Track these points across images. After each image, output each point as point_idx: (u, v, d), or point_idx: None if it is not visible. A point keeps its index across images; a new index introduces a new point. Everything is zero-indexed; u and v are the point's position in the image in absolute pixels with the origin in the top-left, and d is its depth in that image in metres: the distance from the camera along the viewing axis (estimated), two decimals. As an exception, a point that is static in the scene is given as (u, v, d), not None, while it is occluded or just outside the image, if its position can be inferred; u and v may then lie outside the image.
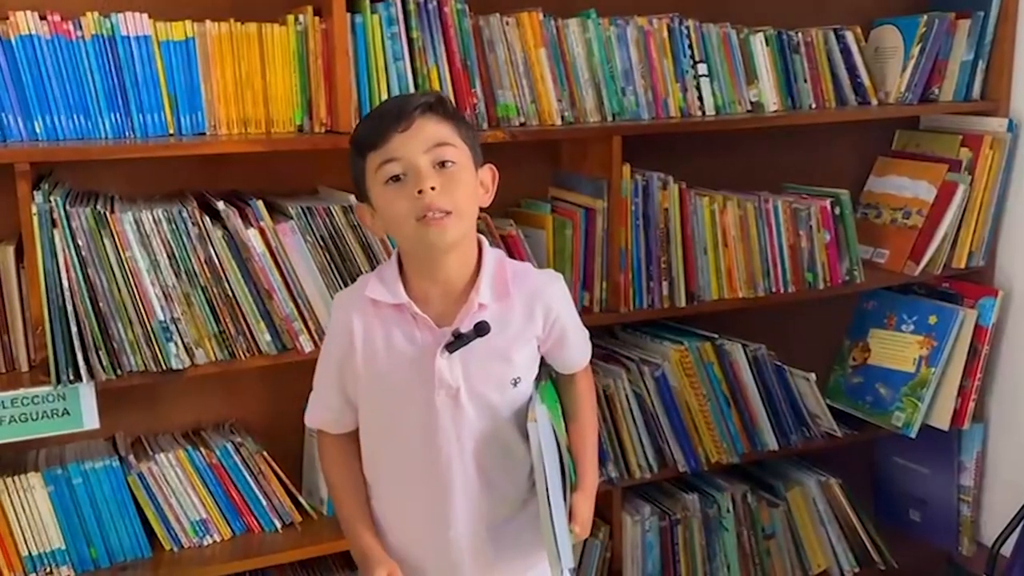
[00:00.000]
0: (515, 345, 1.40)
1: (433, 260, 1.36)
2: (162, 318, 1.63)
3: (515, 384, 1.41)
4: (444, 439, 1.38)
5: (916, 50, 2.22)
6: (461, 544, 1.42)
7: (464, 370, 1.37)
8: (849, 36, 2.21)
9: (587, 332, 1.56)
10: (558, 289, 1.47)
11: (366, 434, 1.47)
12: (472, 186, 1.36)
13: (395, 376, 1.38)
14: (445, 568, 1.44)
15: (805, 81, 2.17)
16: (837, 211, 2.16)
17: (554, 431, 1.42)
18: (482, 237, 1.43)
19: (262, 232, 1.68)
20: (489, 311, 1.37)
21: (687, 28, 2.04)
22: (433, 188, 1.28)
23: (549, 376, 1.54)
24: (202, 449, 1.80)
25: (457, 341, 1.35)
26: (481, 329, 1.34)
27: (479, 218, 1.81)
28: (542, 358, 1.49)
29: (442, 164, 1.31)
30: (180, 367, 1.66)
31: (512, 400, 1.41)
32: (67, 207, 1.55)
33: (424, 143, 1.30)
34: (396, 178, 1.31)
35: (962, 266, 2.31)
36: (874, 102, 2.24)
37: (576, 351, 1.53)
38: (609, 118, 1.97)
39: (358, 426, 1.49)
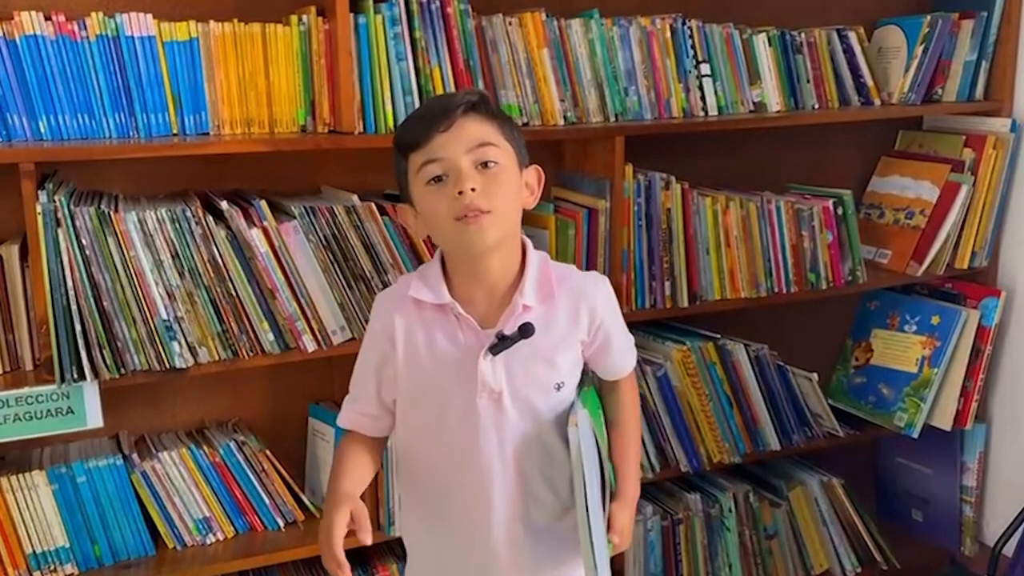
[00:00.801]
0: (559, 348, 1.38)
1: (474, 261, 1.33)
2: (165, 317, 1.64)
3: (558, 388, 1.38)
4: (485, 442, 1.35)
5: (919, 50, 2.22)
6: (499, 550, 1.39)
7: (507, 373, 1.34)
8: (852, 36, 2.21)
9: (632, 338, 1.52)
10: (604, 291, 1.43)
11: (404, 437, 1.44)
12: (514, 187, 1.33)
13: (436, 378, 1.36)
14: (482, 573, 1.41)
15: (808, 81, 2.17)
16: (840, 211, 2.16)
17: (595, 437, 1.39)
18: (526, 239, 1.40)
19: (265, 232, 1.69)
20: (533, 313, 1.35)
21: (690, 28, 2.04)
22: (473, 189, 1.26)
23: (592, 382, 1.50)
24: (205, 448, 1.81)
25: (501, 343, 1.32)
26: (525, 331, 1.32)
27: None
28: (585, 363, 1.45)
29: (484, 164, 1.28)
30: (183, 366, 1.66)
31: (555, 404, 1.38)
32: (71, 206, 1.56)
33: (466, 143, 1.28)
34: (438, 179, 1.29)
35: (965, 266, 2.31)
36: (877, 102, 2.24)
37: (620, 357, 1.49)
38: (612, 118, 1.98)
39: (386, 435, 1.47)
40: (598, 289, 1.43)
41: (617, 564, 2.10)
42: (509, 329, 1.33)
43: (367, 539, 1.29)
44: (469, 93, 1.32)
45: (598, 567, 1.31)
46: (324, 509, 1.37)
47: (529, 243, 1.40)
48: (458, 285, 1.36)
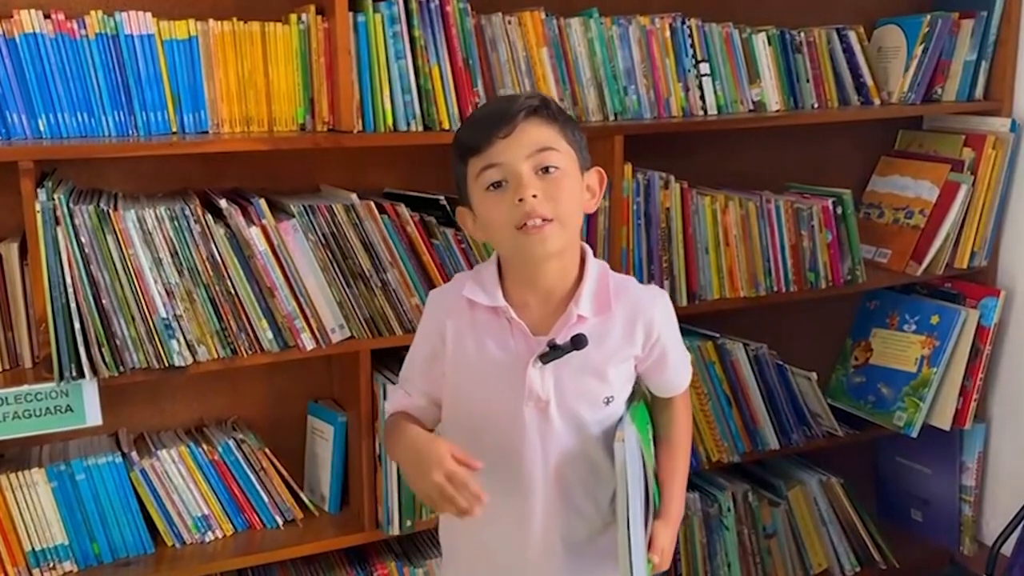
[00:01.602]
0: (611, 362, 1.34)
1: (532, 268, 1.31)
2: (164, 315, 1.64)
3: (607, 403, 1.35)
4: (529, 451, 1.33)
5: (919, 50, 2.22)
6: (536, 561, 1.37)
7: (556, 383, 1.31)
8: (852, 36, 2.21)
9: (688, 355, 1.49)
10: (662, 307, 1.39)
11: (448, 438, 1.38)
12: (576, 192, 1.29)
13: (484, 382, 1.34)
14: None
15: (808, 81, 2.17)
16: (839, 211, 2.16)
17: (642, 454, 1.36)
18: (586, 246, 1.37)
19: (264, 230, 1.69)
20: (588, 324, 1.31)
21: (689, 27, 2.04)
22: (535, 196, 1.23)
23: (643, 397, 1.47)
24: (204, 445, 1.81)
25: (552, 352, 1.29)
26: (578, 342, 1.28)
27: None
28: (637, 377, 1.42)
29: (545, 170, 1.25)
30: (182, 364, 1.66)
31: (603, 419, 1.35)
32: (70, 205, 1.56)
33: (526, 148, 1.25)
34: (497, 184, 1.25)
35: (964, 266, 2.31)
36: (877, 102, 2.24)
37: (675, 374, 1.45)
38: (611, 117, 1.98)
39: (433, 427, 1.44)
40: (656, 304, 1.38)
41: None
42: (562, 339, 1.29)
43: (479, 463, 1.22)
44: (530, 96, 1.29)
45: None
46: (415, 450, 1.28)
47: (589, 251, 1.37)
48: (513, 289, 1.33)
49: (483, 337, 1.33)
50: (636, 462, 1.32)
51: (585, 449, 1.35)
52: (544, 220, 1.23)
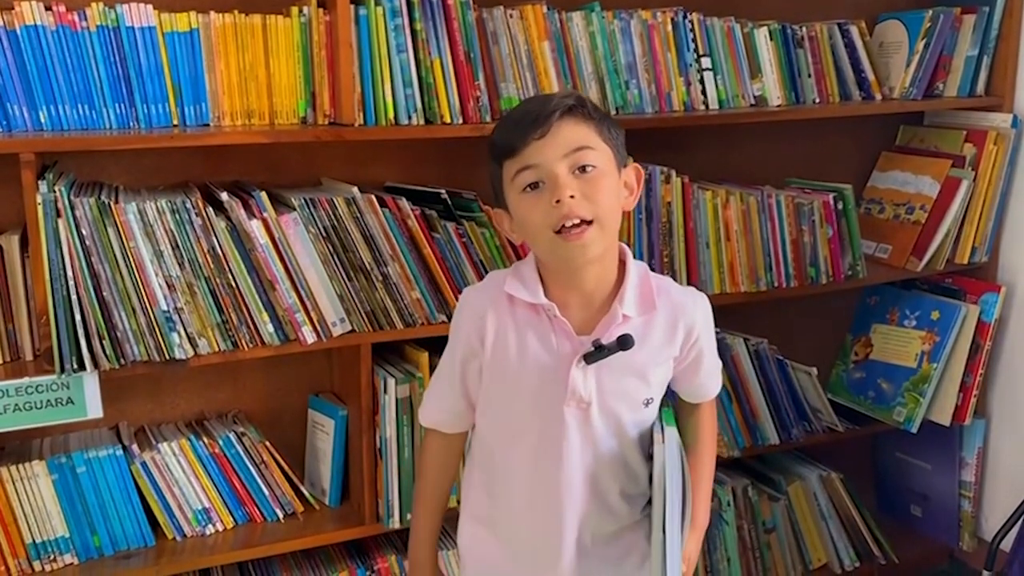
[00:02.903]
0: (652, 363, 1.34)
1: (572, 272, 1.29)
2: (165, 308, 1.64)
3: (647, 404, 1.35)
4: (568, 452, 1.31)
5: (920, 45, 2.22)
6: (566, 558, 1.36)
7: (598, 383, 1.30)
8: (853, 31, 2.21)
9: (720, 362, 1.48)
10: (703, 309, 1.39)
11: (484, 436, 1.41)
12: (615, 191, 1.27)
13: (524, 381, 1.32)
14: None
15: (809, 76, 2.17)
16: (840, 206, 2.16)
17: (682, 458, 1.34)
18: (624, 246, 1.35)
19: (265, 223, 1.69)
20: (632, 324, 1.30)
21: (691, 22, 2.04)
22: (572, 196, 1.21)
23: (668, 403, 1.45)
24: (205, 438, 1.81)
25: (597, 352, 1.27)
26: (624, 343, 1.27)
27: (482, 211, 1.82)
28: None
29: (582, 169, 1.23)
30: (183, 357, 1.66)
31: (640, 421, 1.35)
32: (71, 197, 1.56)
33: (563, 148, 1.23)
34: (534, 185, 1.24)
35: (965, 262, 2.31)
36: (878, 97, 2.24)
37: (708, 379, 1.45)
38: (612, 112, 1.97)
39: (467, 430, 1.45)
40: (698, 306, 1.38)
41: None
42: (607, 338, 1.28)
43: None
44: (566, 96, 1.27)
45: None
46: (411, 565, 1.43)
47: (628, 251, 1.35)
48: (553, 289, 1.32)
49: (524, 335, 1.31)
50: (676, 465, 1.30)
51: (622, 451, 1.34)
52: (583, 222, 1.21)
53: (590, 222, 1.22)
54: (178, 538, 1.81)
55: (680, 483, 1.32)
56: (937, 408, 2.29)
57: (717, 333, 2.08)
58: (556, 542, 1.35)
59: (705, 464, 1.47)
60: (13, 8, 1.58)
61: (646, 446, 1.36)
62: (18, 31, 1.58)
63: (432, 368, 1.63)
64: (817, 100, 2.18)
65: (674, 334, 1.34)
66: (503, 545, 1.41)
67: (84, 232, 1.57)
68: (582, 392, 1.29)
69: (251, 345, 1.72)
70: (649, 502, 1.38)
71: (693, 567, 1.39)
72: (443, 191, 1.83)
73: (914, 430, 2.27)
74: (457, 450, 1.48)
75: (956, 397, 2.28)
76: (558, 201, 1.21)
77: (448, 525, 1.95)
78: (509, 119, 1.32)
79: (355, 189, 1.77)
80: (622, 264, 1.34)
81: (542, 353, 1.30)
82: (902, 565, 2.35)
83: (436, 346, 1.69)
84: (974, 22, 2.26)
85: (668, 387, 1.43)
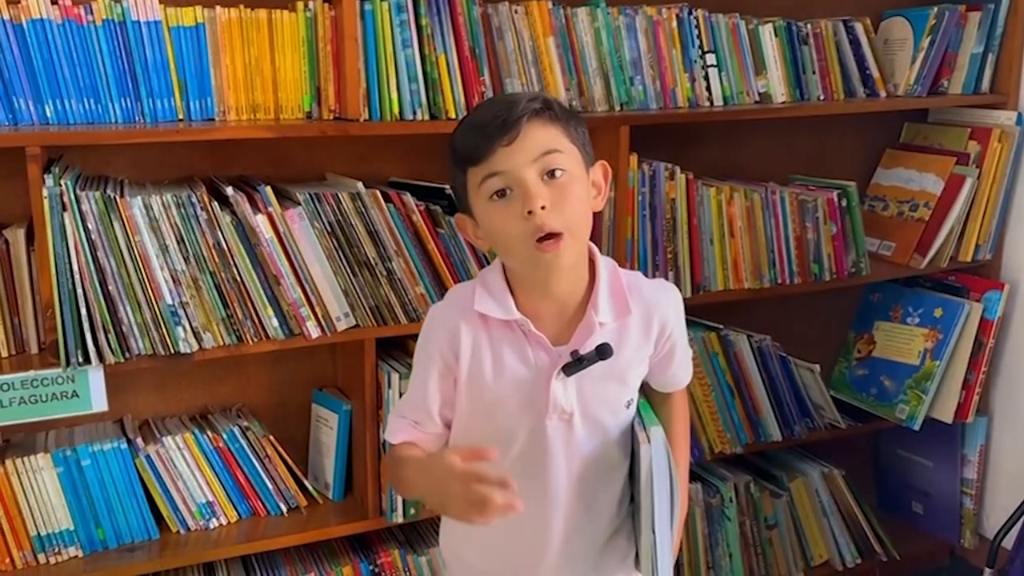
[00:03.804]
0: (631, 365, 1.30)
1: (545, 280, 1.24)
2: (170, 302, 1.65)
3: (628, 405, 1.32)
4: (552, 464, 1.28)
5: (925, 42, 2.22)
6: (555, 567, 1.33)
7: (579, 393, 1.26)
8: (858, 27, 2.21)
9: (691, 350, 1.45)
10: (674, 301, 1.35)
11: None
12: (585, 195, 1.23)
13: (503, 399, 1.27)
14: None
15: (814, 72, 2.17)
16: (844, 203, 2.16)
17: (668, 454, 1.31)
18: (592, 245, 1.30)
19: (270, 218, 1.69)
20: (608, 329, 1.26)
21: (696, 18, 2.04)
22: (543, 207, 1.16)
23: (641, 395, 1.42)
24: (209, 433, 1.82)
25: (576, 364, 1.23)
26: (604, 352, 1.23)
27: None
28: None
29: (551, 174, 1.18)
30: (188, 351, 1.67)
31: (622, 422, 1.33)
32: (77, 191, 1.56)
33: (531, 153, 1.17)
34: (501, 192, 1.18)
35: (968, 259, 2.31)
36: (882, 94, 2.24)
37: (680, 369, 1.42)
38: (617, 107, 1.98)
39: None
40: (669, 299, 1.34)
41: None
42: (584, 348, 1.24)
43: (495, 454, 1.13)
44: (532, 99, 1.20)
45: None
46: (424, 474, 1.21)
47: (596, 249, 1.31)
48: (524, 299, 1.26)
49: (500, 351, 1.26)
50: (663, 463, 1.28)
51: (606, 454, 1.32)
52: (555, 233, 1.17)
53: (562, 234, 1.18)
54: (182, 531, 1.81)
55: (668, 482, 1.29)
56: (939, 405, 2.29)
57: (720, 329, 2.12)
58: (543, 550, 1.32)
59: (681, 455, 1.43)
60: (19, 2, 1.58)
61: (628, 444, 1.34)
62: (24, 25, 1.59)
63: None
64: (821, 97, 2.18)
65: (649, 331, 1.31)
66: (487, 561, 1.37)
67: (90, 226, 1.57)
68: (563, 404, 1.26)
69: (256, 339, 1.72)
70: (631, 500, 1.36)
71: (674, 558, 1.36)
72: (447, 187, 1.83)
73: (916, 427, 2.27)
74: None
75: (959, 394, 2.28)
76: (530, 212, 1.16)
77: (432, 527, 1.96)
78: (473, 123, 1.25)
79: (360, 184, 1.77)
80: (592, 263, 1.30)
81: (519, 368, 1.26)
82: (903, 562, 2.36)
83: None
84: (979, 19, 2.26)
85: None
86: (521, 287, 1.27)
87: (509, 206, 1.18)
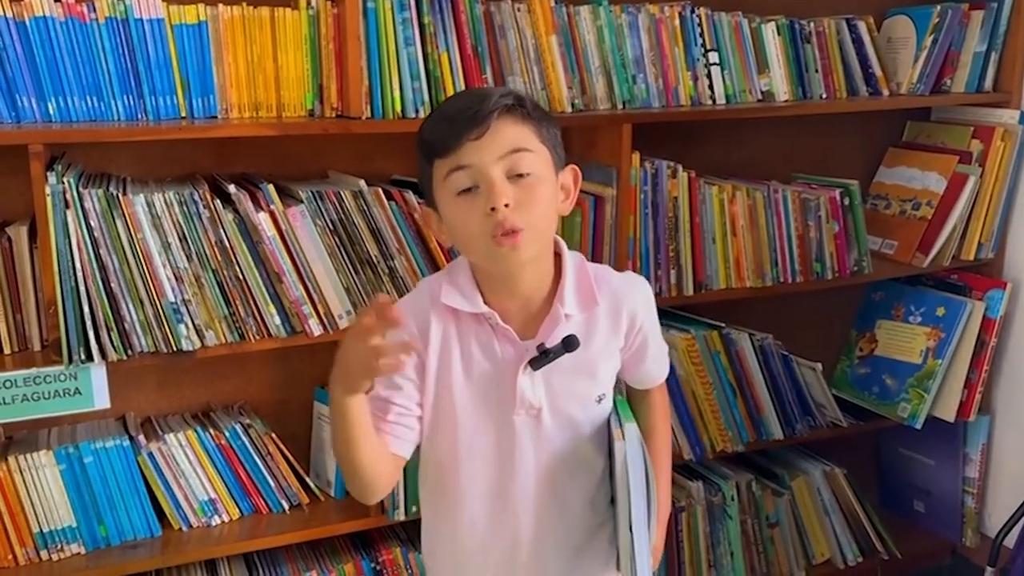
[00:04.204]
0: (601, 358, 1.29)
1: (508, 276, 1.23)
2: (173, 300, 1.65)
3: (599, 400, 1.30)
4: (521, 460, 1.27)
5: (928, 41, 2.22)
6: (528, 568, 1.32)
7: (547, 388, 1.25)
8: (861, 26, 2.21)
9: (666, 346, 1.43)
10: (644, 294, 1.33)
11: (434, 454, 1.33)
12: (550, 197, 1.21)
13: (471, 394, 1.26)
14: None
15: (816, 71, 2.17)
16: (846, 201, 2.16)
17: (644, 451, 1.30)
18: (559, 240, 1.29)
19: (272, 216, 1.69)
20: (575, 322, 1.25)
21: (699, 16, 2.04)
22: (507, 205, 1.14)
23: (620, 392, 1.41)
24: (211, 430, 1.82)
25: (543, 357, 1.22)
26: (570, 344, 1.22)
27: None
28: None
29: (519, 173, 1.16)
30: (190, 348, 1.67)
31: (595, 417, 1.31)
32: (80, 188, 1.56)
33: (499, 149, 1.15)
34: (467, 189, 1.17)
35: (971, 258, 2.30)
36: (885, 93, 2.24)
37: (655, 365, 1.40)
38: (619, 106, 1.98)
39: (408, 456, 1.32)
40: (639, 292, 1.33)
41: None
42: (551, 341, 1.23)
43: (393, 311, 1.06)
44: (505, 94, 1.18)
45: None
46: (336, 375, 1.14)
47: (563, 244, 1.30)
48: (490, 294, 1.25)
49: (467, 345, 1.25)
50: (638, 460, 1.26)
51: (578, 451, 1.30)
52: (515, 230, 1.15)
53: (522, 230, 1.16)
54: (184, 529, 1.81)
55: (644, 480, 1.26)
56: (941, 404, 2.29)
57: (723, 328, 2.12)
58: (515, 549, 1.30)
59: (662, 453, 1.42)
60: (22, -1, 1.59)
61: (603, 441, 1.32)
62: (27, 22, 1.59)
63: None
64: (824, 95, 2.18)
65: (618, 324, 1.30)
66: (464, 557, 1.35)
67: (92, 223, 1.58)
68: (531, 399, 1.25)
69: (258, 337, 1.72)
70: (612, 501, 1.34)
71: (659, 558, 1.35)
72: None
73: (918, 426, 2.27)
74: (392, 463, 1.27)
75: (961, 393, 2.28)
76: (493, 209, 1.15)
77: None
78: (443, 114, 1.22)
79: (362, 182, 1.77)
80: (559, 258, 1.28)
81: (486, 362, 1.25)
82: (905, 561, 2.36)
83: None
84: (982, 18, 2.26)
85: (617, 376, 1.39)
86: (487, 283, 1.26)
87: (473, 203, 1.17)
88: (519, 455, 1.27)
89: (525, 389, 1.24)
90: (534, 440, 1.27)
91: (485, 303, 1.24)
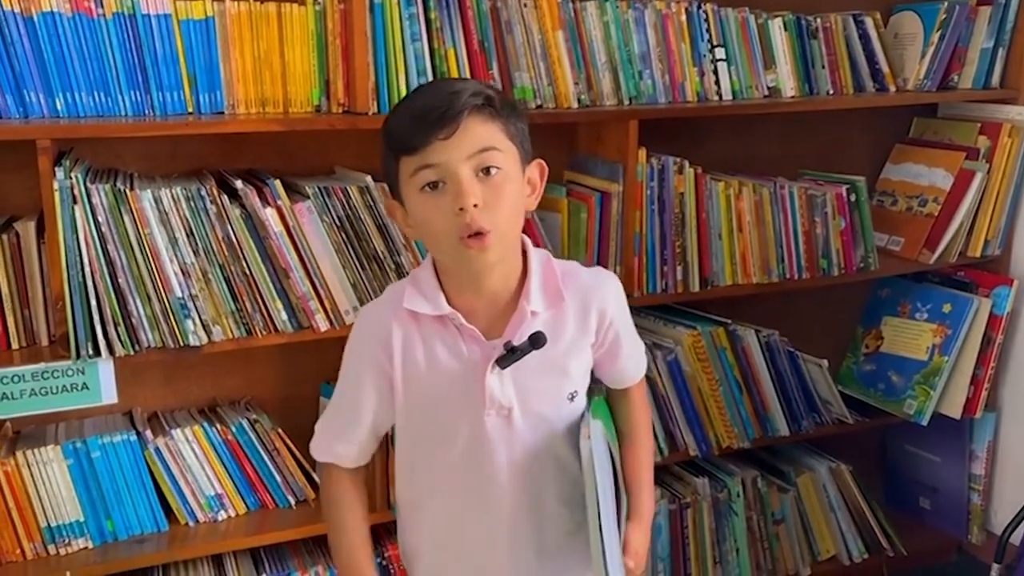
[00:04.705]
0: (571, 355, 1.27)
1: (475, 275, 1.22)
2: (180, 295, 1.65)
3: (571, 398, 1.29)
4: (494, 461, 1.25)
5: (936, 37, 2.21)
6: (508, 571, 1.31)
7: (517, 387, 1.24)
8: (868, 22, 2.20)
9: (642, 344, 1.42)
10: (613, 290, 1.32)
11: (405, 458, 1.34)
12: (518, 196, 1.20)
13: (439, 395, 1.25)
14: None
15: (823, 67, 2.16)
16: (853, 198, 2.16)
17: (610, 449, 1.30)
18: (525, 238, 1.28)
19: (279, 211, 1.69)
20: (541, 319, 1.24)
21: (705, 12, 2.03)
22: (476, 205, 1.14)
23: (602, 391, 1.40)
24: (218, 425, 1.83)
25: (510, 355, 1.21)
26: (536, 341, 1.20)
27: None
28: (593, 371, 1.36)
29: (486, 171, 1.15)
30: (197, 344, 1.67)
31: (568, 415, 1.29)
32: (88, 184, 1.57)
33: (468, 149, 1.14)
34: (434, 185, 1.15)
35: (977, 255, 2.30)
36: (892, 89, 2.23)
37: (630, 362, 1.38)
38: (626, 101, 1.97)
39: (367, 463, 1.37)
40: (608, 287, 1.32)
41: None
42: (518, 339, 1.22)
43: None
44: (474, 93, 1.16)
45: None
46: None
47: (529, 243, 1.28)
48: (456, 294, 1.24)
49: (432, 347, 1.24)
50: (604, 459, 1.25)
51: (552, 450, 1.28)
52: (483, 231, 1.15)
53: (490, 231, 1.15)
54: (191, 523, 1.82)
55: (611, 476, 1.26)
56: (947, 401, 2.28)
57: (729, 324, 2.12)
58: (493, 552, 1.30)
59: (643, 452, 1.40)
60: (30, -5, 1.59)
61: (578, 440, 1.29)
62: (35, 18, 1.59)
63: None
64: (831, 92, 2.17)
65: (587, 320, 1.28)
66: (443, 557, 1.35)
67: (100, 219, 1.58)
68: (501, 398, 1.23)
69: (264, 332, 1.73)
70: None
71: (643, 560, 1.30)
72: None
73: (924, 423, 2.27)
74: (362, 482, 1.36)
75: (967, 390, 2.28)
76: (461, 209, 1.14)
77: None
78: (411, 110, 1.19)
79: (368, 178, 1.77)
80: (526, 255, 1.27)
81: (453, 363, 1.23)
82: (911, 557, 2.35)
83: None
84: (990, 14, 2.25)
85: (597, 377, 1.38)
86: (452, 282, 1.25)
87: (440, 200, 1.15)
88: (493, 455, 1.25)
89: (494, 388, 1.23)
90: (506, 440, 1.25)
91: (450, 303, 1.23)
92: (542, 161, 1.27)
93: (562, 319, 1.26)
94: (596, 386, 1.38)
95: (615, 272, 1.97)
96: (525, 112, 1.28)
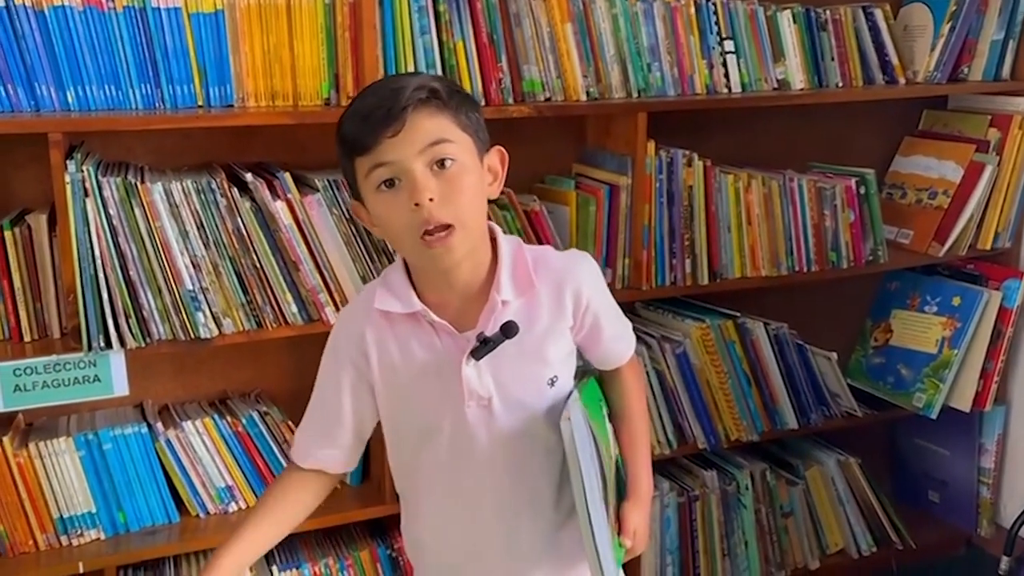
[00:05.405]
0: (547, 341, 1.25)
1: (443, 272, 1.21)
2: (191, 287, 1.66)
3: (552, 384, 1.27)
4: (478, 452, 1.24)
5: (946, 28, 2.20)
6: (497, 561, 1.30)
7: (495, 377, 1.23)
8: (878, 14, 2.19)
9: (628, 322, 1.39)
10: (586, 271, 1.30)
11: (395, 456, 1.34)
12: (476, 186, 1.19)
13: (418, 392, 1.24)
14: None
15: (832, 59, 2.16)
16: (862, 190, 2.15)
17: (592, 431, 1.28)
18: (494, 226, 1.26)
19: (289, 204, 1.70)
20: (513, 307, 1.23)
21: (714, 4, 2.03)
22: (431, 199, 1.12)
23: (594, 373, 1.39)
24: (228, 417, 1.83)
25: (483, 346, 1.20)
26: (509, 330, 1.19)
27: (502, 193, 1.83)
28: (580, 354, 1.35)
29: (441, 164, 1.14)
30: (208, 336, 1.68)
31: (550, 401, 1.27)
32: (99, 177, 1.57)
33: (418, 143, 1.13)
34: (390, 182, 1.15)
35: (987, 247, 2.29)
36: (902, 81, 2.22)
37: (615, 343, 1.36)
38: (635, 94, 1.97)
39: (350, 470, 1.36)
40: (581, 268, 1.29)
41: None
42: (490, 329, 1.20)
43: None
44: (418, 88, 1.14)
45: (603, 568, 1.19)
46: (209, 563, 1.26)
47: (498, 230, 1.26)
48: (427, 290, 1.23)
49: (407, 345, 1.23)
50: (586, 441, 1.24)
51: (536, 434, 1.27)
52: (446, 228, 1.14)
53: (452, 227, 1.14)
54: (201, 515, 1.83)
55: (595, 458, 1.24)
56: (957, 394, 2.28)
57: (738, 317, 2.12)
58: (488, 541, 1.29)
59: (638, 431, 1.39)
60: (41, -11, 1.59)
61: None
62: (46, 11, 1.60)
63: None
64: (840, 84, 2.17)
65: (561, 304, 1.26)
66: (444, 550, 1.34)
67: (111, 212, 1.59)
68: (479, 389, 1.22)
69: (275, 325, 1.73)
70: None
71: (644, 541, 1.30)
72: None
73: (934, 416, 2.26)
74: (314, 489, 1.35)
75: (976, 383, 2.27)
76: (417, 204, 1.13)
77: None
78: (358, 111, 1.19)
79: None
80: (495, 243, 1.26)
81: (429, 359, 1.23)
82: (919, 551, 2.35)
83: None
84: (1000, 5, 2.24)
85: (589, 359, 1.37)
86: (422, 277, 1.24)
87: (397, 197, 1.15)
88: (477, 447, 1.25)
89: (471, 380, 1.22)
90: (489, 430, 1.24)
91: (422, 299, 1.23)
92: (502, 148, 1.25)
93: (535, 305, 1.25)
94: (589, 369, 1.37)
95: (624, 265, 1.98)
96: (477, 100, 1.27)
